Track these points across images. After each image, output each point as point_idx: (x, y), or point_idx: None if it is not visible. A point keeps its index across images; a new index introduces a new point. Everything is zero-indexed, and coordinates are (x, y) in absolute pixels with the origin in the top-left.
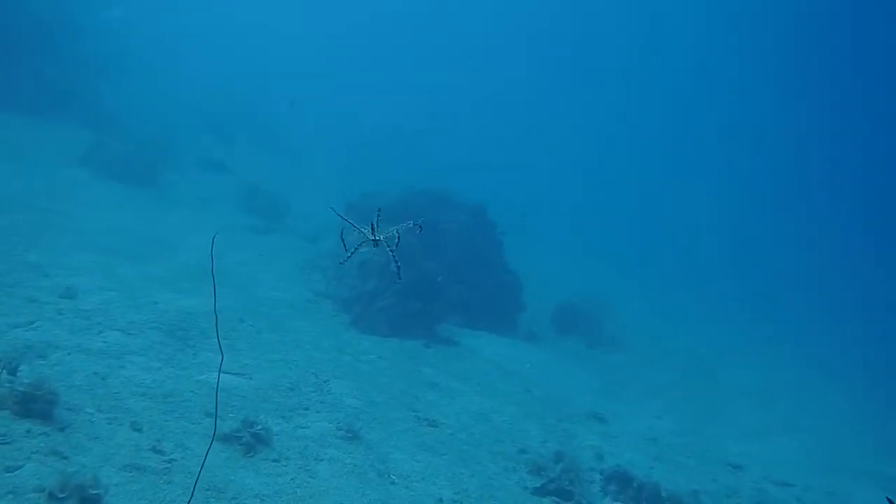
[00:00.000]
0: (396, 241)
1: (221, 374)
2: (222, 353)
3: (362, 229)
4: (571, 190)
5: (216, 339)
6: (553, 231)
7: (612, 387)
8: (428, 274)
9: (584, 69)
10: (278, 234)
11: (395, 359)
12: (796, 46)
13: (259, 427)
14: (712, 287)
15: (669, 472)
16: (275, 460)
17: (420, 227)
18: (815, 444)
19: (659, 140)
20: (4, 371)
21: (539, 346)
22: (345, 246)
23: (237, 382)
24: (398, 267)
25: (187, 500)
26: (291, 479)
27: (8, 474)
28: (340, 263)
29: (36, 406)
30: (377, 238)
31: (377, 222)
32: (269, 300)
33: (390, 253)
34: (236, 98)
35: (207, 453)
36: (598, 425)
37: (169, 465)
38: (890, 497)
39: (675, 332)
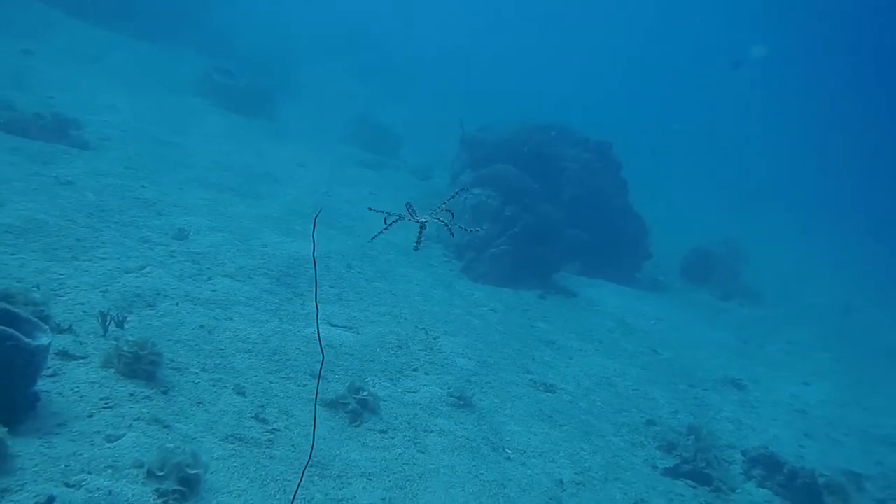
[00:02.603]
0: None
1: (329, 328)
2: (318, 331)
3: (405, 215)
4: (690, 129)
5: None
6: (675, 172)
7: (750, 346)
8: (545, 218)
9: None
10: (389, 170)
11: (508, 312)
12: None
13: (365, 393)
14: (852, 228)
15: (823, 453)
16: (382, 431)
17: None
18: None
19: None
20: (112, 323)
21: (666, 297)
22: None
23: (345, 338)
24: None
25: (290, 478)
26: (399, 454)
27: (108, 445)
28: (371, 239)
29: (140, 367)
30: (421, 221)
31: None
32: (378, 243)
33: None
34: (347, 24)
35: (314, 435)
36: (735, 393)
37: (272, 435)
38: None
39: (818, 281)
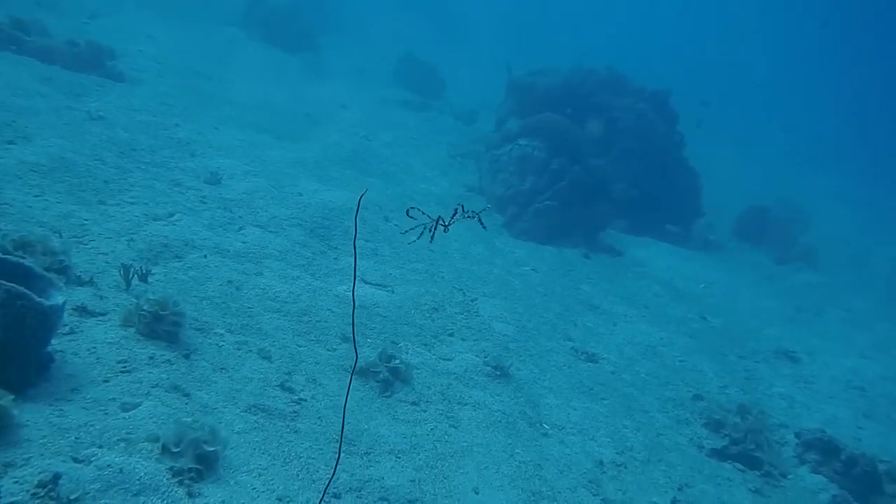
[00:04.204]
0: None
1: (363, 285)
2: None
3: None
4: (753, 77)
5: (360, 241)
6: (733, 125)
7: (806, 315)
8: (594, 173)
9: None
10: (433, 112)
11: (550, 272)
12: None
13: (398, 361)
14: None
15: (884, 436)
16: (413, 403)
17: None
18: None
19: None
20: (136, 277)
21: (717, 259)
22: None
23: (379, 297)
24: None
25: (314, 455)
26: (431, 429)
27: (123, 414)
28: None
29: (161, 327)
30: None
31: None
32: (417, 194)
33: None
34: None
35: (345, 414)
36: (788, 366)
37: (298, 406)
38: None
39: (882, 247)
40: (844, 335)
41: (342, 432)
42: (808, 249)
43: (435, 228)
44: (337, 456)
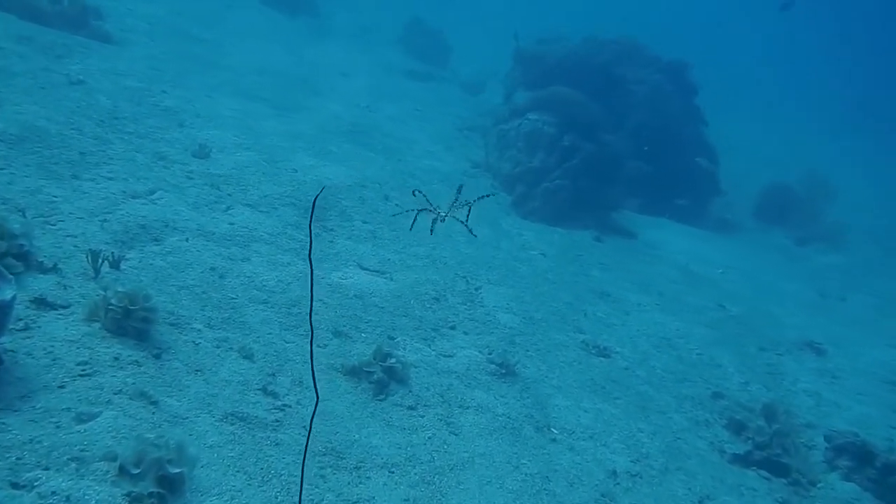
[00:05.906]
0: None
1: (360, 272)
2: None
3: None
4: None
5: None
6: (758, 96)
7: (830, 299)
8: (607, 150)
9: None
10: (437, 82)
11: (560, 256)
12: None
13: (394, 360)
14: None
15: None
16: (410, 407)
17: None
18: None
19: None
20: (106, 263)
21: (735, 240)
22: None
23: (376, 285)
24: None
25: (297, 472)
26: (429, 437)
27: (78, 427)
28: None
29: (130, 323)
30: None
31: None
32: (421, 170)
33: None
34: None
35: (311, 428)
36: (814, 358)
37: (280, 414)
38: None
39: None
40: (871, 321)
41: (304, 456)
42: (832, 229)
43: (434, 223)
44: (300, 479)
